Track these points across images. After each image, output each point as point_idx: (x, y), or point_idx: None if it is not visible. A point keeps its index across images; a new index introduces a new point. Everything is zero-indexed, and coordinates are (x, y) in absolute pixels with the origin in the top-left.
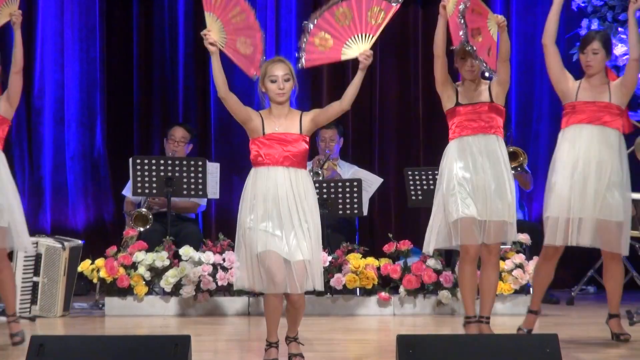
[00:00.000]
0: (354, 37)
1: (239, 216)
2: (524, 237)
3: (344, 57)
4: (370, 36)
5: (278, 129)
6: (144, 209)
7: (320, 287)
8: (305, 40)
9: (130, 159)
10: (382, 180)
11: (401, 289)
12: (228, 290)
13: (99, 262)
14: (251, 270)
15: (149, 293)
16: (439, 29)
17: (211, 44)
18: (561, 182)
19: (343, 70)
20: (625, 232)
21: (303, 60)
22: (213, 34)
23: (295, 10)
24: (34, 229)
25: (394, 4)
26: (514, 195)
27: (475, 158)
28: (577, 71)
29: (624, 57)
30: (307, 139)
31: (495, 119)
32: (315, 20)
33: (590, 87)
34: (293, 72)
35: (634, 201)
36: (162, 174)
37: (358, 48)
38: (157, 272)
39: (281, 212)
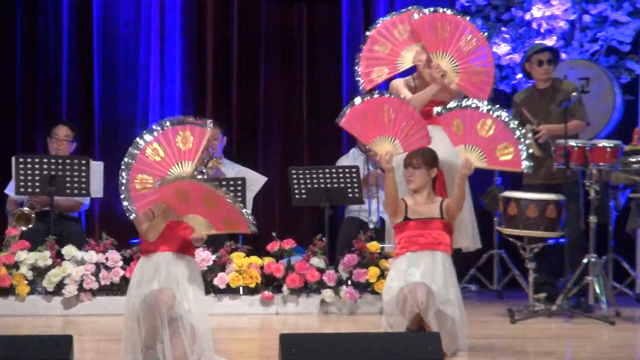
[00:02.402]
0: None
1: (125, 301)
2: None
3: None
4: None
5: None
6: (26, 208)
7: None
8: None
9: (13, 158)
10: (266, 179)
11: (284, 288)
12: (111, 289)
13: None
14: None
15: (31, 293)
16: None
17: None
18: None
19: (226, 66)
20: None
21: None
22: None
23: (179, 8)
24: None
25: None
26: None
27: None
28: None
29: (507, 57)
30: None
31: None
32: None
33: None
34: None
35: (515, 200)
36: (45, 172)
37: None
38: (39, 272)
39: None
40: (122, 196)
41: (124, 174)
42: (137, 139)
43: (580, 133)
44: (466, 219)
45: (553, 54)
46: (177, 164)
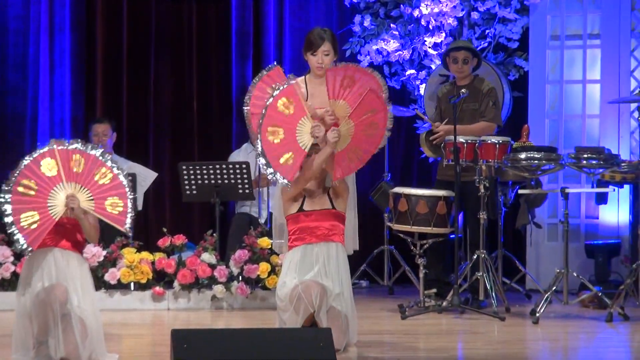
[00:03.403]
0: (301, 121)
1: (16, 297)
2: None
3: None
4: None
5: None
6: None
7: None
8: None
9: None
10: (156, 174)
11: (175, 284)
12: (2, 285)
13: None
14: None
15: None
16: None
17: (74, 207)
18: None
19: (116, 62)
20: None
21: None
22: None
23: (68, 4)
24: None
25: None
26: None
27: None
28: None
29: (396, 53)
30: None
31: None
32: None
33: None
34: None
35: (405, 196)
36: None
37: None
38: None
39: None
40: (14, 238)
41: (7, 220)
42: (4, 185)
43: (490, 134)
44: (349, 222)
45: (472, 54)
46: (53, 190)
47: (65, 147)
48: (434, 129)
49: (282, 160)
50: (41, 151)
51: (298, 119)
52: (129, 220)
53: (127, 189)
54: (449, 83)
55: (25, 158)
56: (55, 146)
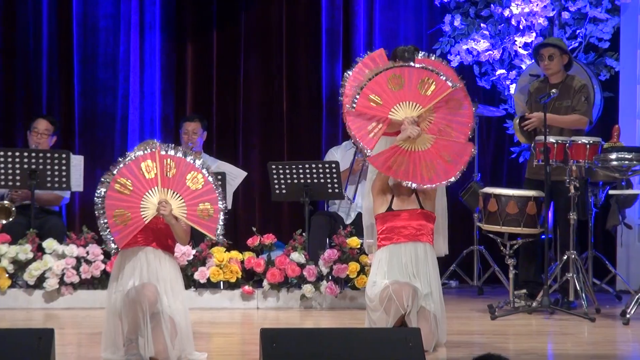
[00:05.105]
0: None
1: (107, 295)
2: None
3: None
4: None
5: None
6: (6, 202)
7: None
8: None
9: None
10: (246, 173)
11: (265, 283)
12: (92, 283)
13: None
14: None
15: (12, 286)
16: None
17: (165, 214)
18: None
19: (206, 61)
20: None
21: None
22: (173, 208)
23: (158, 4)
24: None
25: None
26: None
27: None
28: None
29: (487, 53)
30: None
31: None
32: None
33: None
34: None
35: (495, 196)
36: (25, 166)
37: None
38: (20, 265)
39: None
40: (104, 232)
41: (101, 220)
42: (104, 177)
43: (582, 128)
44: (438, 225)
45: (560, 51)
46: (148, 193)
47: (164, 151)
48: (527, 116)
49: (369, 128)
50: (144, 152)
51: (400, 100)
52: (220, 227)
53: (218, 194)
54: (540, 79)
55: (128, 156)
56: (157, 149)
